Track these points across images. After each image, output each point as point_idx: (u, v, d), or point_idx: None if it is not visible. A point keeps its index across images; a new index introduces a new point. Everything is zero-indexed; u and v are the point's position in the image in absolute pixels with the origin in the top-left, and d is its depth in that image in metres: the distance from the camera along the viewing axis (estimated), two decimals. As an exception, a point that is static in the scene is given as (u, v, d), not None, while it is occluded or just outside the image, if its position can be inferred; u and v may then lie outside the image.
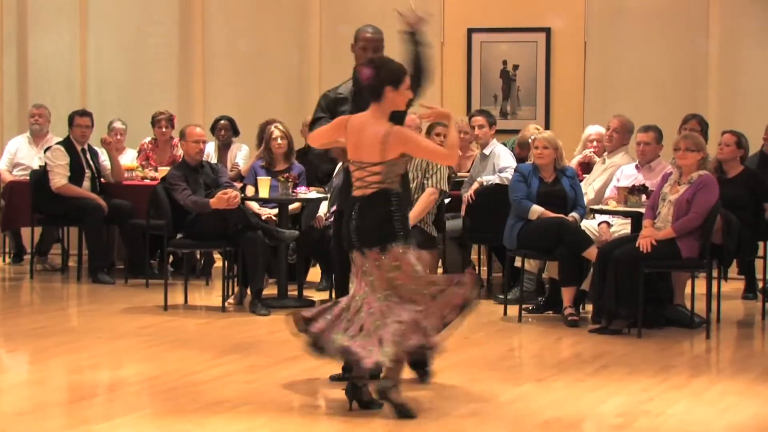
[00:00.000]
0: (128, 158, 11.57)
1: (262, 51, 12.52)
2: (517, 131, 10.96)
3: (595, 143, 10.35)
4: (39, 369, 7.58)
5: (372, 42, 6.92)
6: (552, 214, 9.05)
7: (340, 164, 10.15)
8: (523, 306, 9.20)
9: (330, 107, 7.00)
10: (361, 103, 6.46)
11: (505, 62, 11.92)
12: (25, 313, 9.67)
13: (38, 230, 11.49)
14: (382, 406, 6.29)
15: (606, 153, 9.92)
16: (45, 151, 11.05)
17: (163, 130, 11.41)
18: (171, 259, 10.84)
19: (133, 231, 10.77)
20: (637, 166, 9.43)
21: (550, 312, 9.26)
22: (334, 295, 9.88)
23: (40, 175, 10.95)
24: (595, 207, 9.25)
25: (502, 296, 9.55)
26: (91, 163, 11.03)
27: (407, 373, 6.65)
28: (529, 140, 9.70)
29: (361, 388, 6.30)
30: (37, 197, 10.93)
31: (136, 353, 7.87)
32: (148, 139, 11.58)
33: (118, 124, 11.74)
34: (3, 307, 9.87)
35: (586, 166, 10.24)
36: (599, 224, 9.35)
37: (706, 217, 8.36)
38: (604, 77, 11.72)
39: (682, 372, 7.41)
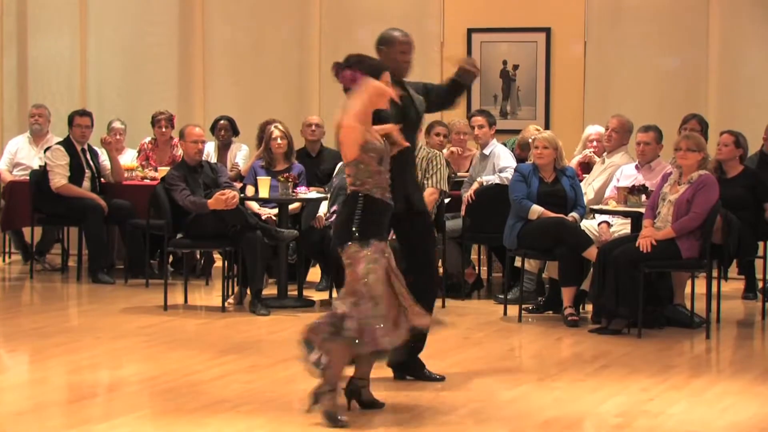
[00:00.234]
0: (128, 158, 11.57)
1: (262, 51, 12.52)
2: (517, 131, 10.96)
3: (594, 143, 10.35)
4: (39, 369, 7.59)
5: (410, 45, 6.94)
6: (552, 214, 9.05)
7: (340, 164, 10.17)
8: (523, 306, 9.20)
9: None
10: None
11: (505, 62, 11.92)
12: (25, 313, 9.67)
13: (38, 230, 11.49)
14: (383, 405, 6.29)
15: (605, 153, 9.92)
16: (45, 151, 11.05)
17: (163, 130, 11.41)
18: (171, 259, 10.83)
19: (133, 231, 10.77)
20: (636, 166, 9.43)
21: (550, 312, 9.26)
22: (334, 295, 9.94)
23: (40, 175, 10.95)
24: (595, 207, 9.25)
25: (502, 296, 9.55)
26: (91, 163, 11.03)
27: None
28: (529, 140, 9.70)
29: (361, 389, 6.30)
30: (37, 197, 10.93)
31: (136, 353, 7.87)
32: (148, 139, 11.57)
33: (117, 124, 11.74)
34: (3, 307, 9.87)
35: (586, 166, 10.24)
36: (599, 224, 9.35)
37: (706, 217, 8.36)
38: (604, 77, 11.72)
39: (682, 372, 7.41)
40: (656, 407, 6.50)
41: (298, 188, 9.74)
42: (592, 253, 8.78)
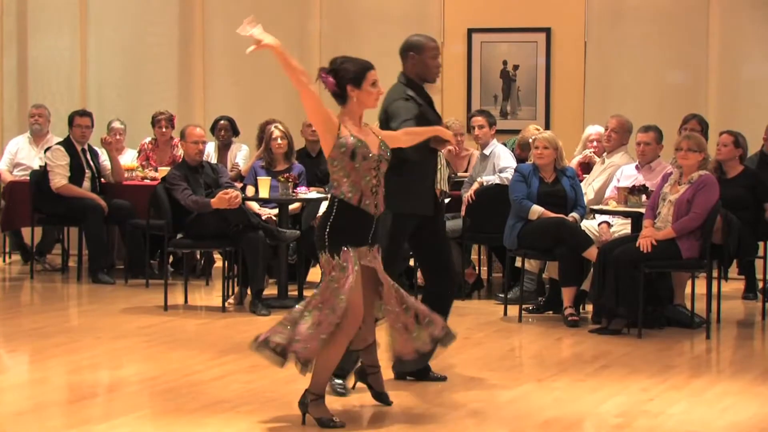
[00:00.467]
0: (128, 158, 11.57)
1: (263, 51, 12.50)
2: (517, 131, 10.96)
3: (595, 143, 10.35)
4: (39, 369, 7.58)
5: (438, 50, 7.11)
6: (552, 214, 9.05)
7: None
8: (524, 306, 9.20)
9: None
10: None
11: (505, 62, 11.92)
12: (26, 313, 9.67)
13: (38, 230, 11.50)
14: (391, 403, 6.29)
15: (605, 153, 9.92)
16: (45, 152, 11.06)
17: (163, 130, 11.41)
18: (171, 259, 10.83)
19: (133, 231, 10.77)
20: (637, 167, 9.43)
21: (551, 312, 9.26)
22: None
23: (41, 176, 10.95)
24: (595, 207, 9.25)
25: (502, 296, 9.55)
26: (92, 163, 11.03)
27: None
28: (530, 141, 9.70)
29: (369, 375, 6.29)
30: (37, 197, 10.93)
31: (136, 353, 7.87)
32: (148, 139, 11.57)
33: (116, 124, 11.74)
34: (3, 307, 9.87)
35: (586, 166, 10.24)
36: (599, 224, 9.36)
37: (706, 217, 8.36)
38: (604, 77, 11.72)
39: (682, 372, 7.41)
40: (656, 407, 6.50)
41: (298, 188, 9.74)
42: (592, 253, 8.78)
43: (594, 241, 9.00)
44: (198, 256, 11.25)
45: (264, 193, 9.63)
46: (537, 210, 9.07)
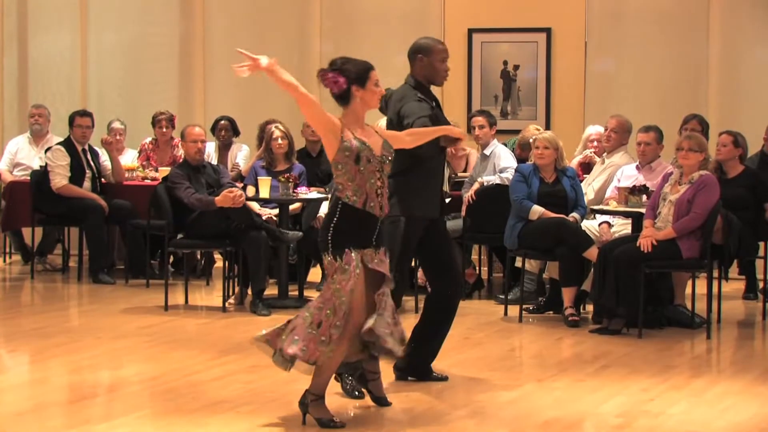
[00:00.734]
0: (129, 158, 11.57)
1: (263, 51, 12.41)
2: (517, 131, 10.96)
3: (595, 143, 10.35)
4: (39, 369, 7.59)
5: (447, 53, 7.05)
6: (552, 215, 9.05)
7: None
8: (524, 306, 9.20)
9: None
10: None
11: (505, 62, 11.92)
12: (26, 313, 9.67)
13: (39, 230, 11.50)
14: (390, 404, 6.29)
15: (605, 153, 9.92)
16: (45, 152, 11.06)
17: (164, 130, 11.40)
18: (171, 259, 10.84)
19: (133, 231, 10.77)
20: (637, 167, 9.43)
21: (551, 312, 9.26)
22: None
23: (41, 176, 10.95)
24: (596, 207, 9.25)
25: (502, 296, 9.55)
26: (92, 163, 11.03)
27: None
28: (530, 141, 9.70)
29: (370, 381, 6.30)
30: (37, 197, 10.93)
31: (136, 353, 7.87)
32: (149, 139, 11.57)
33: (116, 125, 11.74)
34: (4, 307, 9.87)
35: (587, 167, 10.24)
36: (600, 224, 9.36)
37: (706, 218, 8.36)
38: (604, 77, 11.72)
39: (683, 372, 7.41)
40: (657, 407, 6.50)
41: (298, 188, 9.74)
42: (592, 253, 8.78)
43: (594, 241, 9.00)
44: (198, 256, 11.25)
45: (264, 193, 9.63)
46: (537, 210, 9.07)
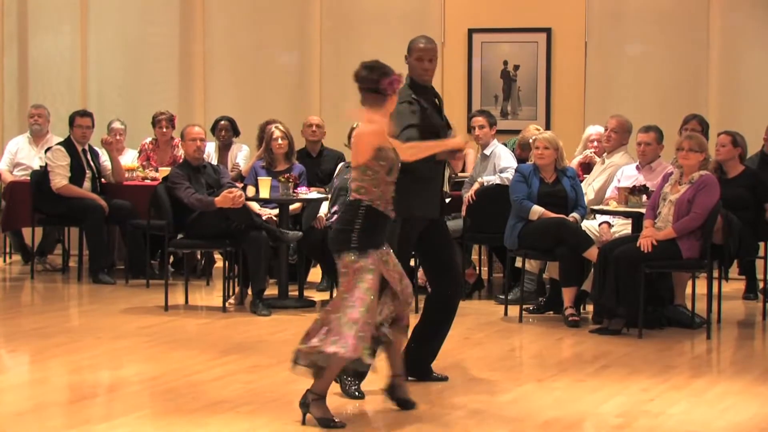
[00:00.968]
0: (129, 158, 11.57)
1: (263, 51, 12.53)
2: (517, 131, 10.96)
3: (595, 143, 10.35)
4: (39, 369, 7.59)
5: (427, 52, 6.96)
6: (553, 215, 9.05)
7: (341, 164, 10.16)
8: (524, 306, 9.20)
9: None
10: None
11: (505, 62, 11.91)
12: (26, 314, 9.67)
13: (39, 230, 11.50)
14: (415, 405, 6.28)
15: (605, 153, 9.92)
16: (45, 152, 11.05)
17: (164, 130, 11.40)
18: (171, 259, 10.83)
19: (133, 231, 10.77)
20: (637, 167, 9.43)
21: (551, 312, 9.26)
22: (335, 295, 9.92)
23: (41, 176, 10.95)
24: (596, 207, 9.25)
25: (502, 296, 9.55)
26: (92, 163, 11.03)
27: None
28: (530, 141, 9.70)
29: (397, 387, 6.29)
30: (37, 197, 10.93)
31: (136, 353, 7.87)
32: (149, 139, 11.57)
33: (116, 125, 11.74)
34: (4, 308, 9.87)
35: (587, 167, 10.23)
36: (600, 224, 9.35)
37: (706, 218, 8.36)
38: (604, 77, 11.72)
39: (683, 372, 7.41)
40: (657, 407, 6.50)
41: (298, 188, 9.74)
42: (592, 253, 8.78)
43: (594, 241, 9.00)
44: (198, 257, 11.25)
45: (264, 193, 9.62)
46: (537, 210, 9.07)
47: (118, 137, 11.61)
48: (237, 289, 9.79)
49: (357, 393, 6.52)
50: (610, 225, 9.35)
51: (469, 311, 9.29)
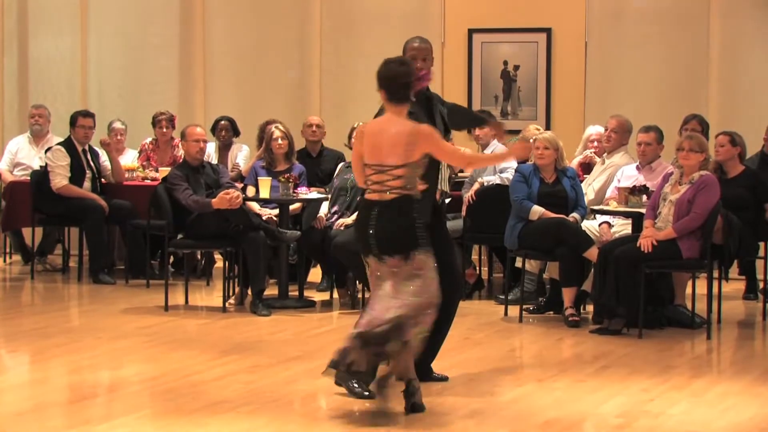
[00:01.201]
0: (129, 158, 11.57)
1: (263, 51, 12.52)
2: (517, 131, 10.94)
3: (595, 143, 10.35)
4: (39, 369, 7.59)
5: (421, 51, 6.95)
6: (553, 215, 9.05)
7: (341, 164, 10.16)
8: (524, 306, 9.20)
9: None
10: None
11: (505, 63, 11.91)
12: (26, 314, 9.67)
13: (39, 230, 11.50)
14: (424, 409, 6.28)
15: (605, 153, 9.92)
16: (46, 152, 11.05)
17: (164, 130, 11.40)
18: (171, 259, 10.83)
19: (133, 231, 10.77)
20: (637, 167, 9.43)
21: (551, 312, 9.26)
22: (335, 296, 9.95)
23: (41, 176, 10.95)
24: (596, 207, 9.25)
25: (502, 297, 9.55)
26: (92, 163, 11.03)
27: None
28: (530, 141, 9.69)
29: (416, 392, 6.29)
30: (37, 197, 10.93)
31: (136, 353, 7.87)
32: (149, 139, 11.57)
33: (117, 125, 11.74)
34: (4, 308, 9.87)
35: (587, 167, 10.23)
36: (600, 225, 9.35)
37: (707, 218, 8.36)
38: (604, 78, 11.72)
39: (683, 372, 7.41)
40: (657, 408, 6.50)
41: (298, 188, 9.74)
42: (592, 253, 8.78)
43: (594, 241, 9.00)
44: (199, 257, 11.25)
45: (264, 193, 9.62)
46: (537, 210, 9.07)
47: (118, 137, 11.62)
48: (237, 290, 9.78)
49: (365, 393, 6.50)
50: (610, 225, 9.35)
51: (469, 311, 9.29)
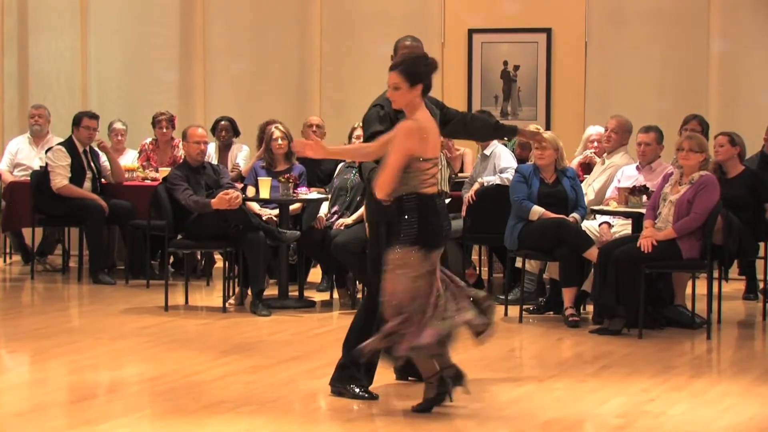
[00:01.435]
0: (129, 159, 11.57)
1: (263, 51, 12.53)
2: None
3: (595, 143, 10.35)
4: (40, 369, 7.58)
5: (412, 50, 6.93)
6: (553, 215, 9.05)
7: (341, 165, 10.16)
8: (524, 306, 9.20)
9: (393, 119, 6.58)
10: None
11: (505, 63, 11.92)
12: (26, 314, 9.67)
13: (39, 231, 11.50)
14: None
15: (605, 153, 9.92)
16: (46, 152, 11.05)
17: (164, 130, 11.40)
18: (171, 259, 10.83)
19: (133, 231, 10.77)
20: (637, 167, 9.43)
21: (551, 312, 9.26)
22: (335, 296, 9.94)
23: (41, 176, 10.95)
24: (596, 207, 9.25)
25: (502, 297, 9.54)
26: (92, 164, 11.03)
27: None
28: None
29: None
30: (37, 198, 10.93)
31: (136, 354, 7.87)
32: (149, 139, 11.57)
33: (118, 125, 11.75)
34: (4, 308, 9.87)
35: (587, 167, 10.23)
36: (600, 225, 9.35)
37: (707, 218, 8.36)
38: (604, 78, 11.72)
39: (683, 373, 7.41)
40: (657, 408, 6.50)
41: (298, 189, 9.74)
42: (592, 253, 8.78)
43: (594, 241, 9.00)
44: (199, 257, 11.25)
45: (264, 193, 9.62)
46: (537, 211, 9.07)
47: (119, 137, 11.63)
48: (237, 290, 9.78)
49: (368, 395, 6.50)
50: (610, 225, 9.35)
51: (469, 311, 9.27)
